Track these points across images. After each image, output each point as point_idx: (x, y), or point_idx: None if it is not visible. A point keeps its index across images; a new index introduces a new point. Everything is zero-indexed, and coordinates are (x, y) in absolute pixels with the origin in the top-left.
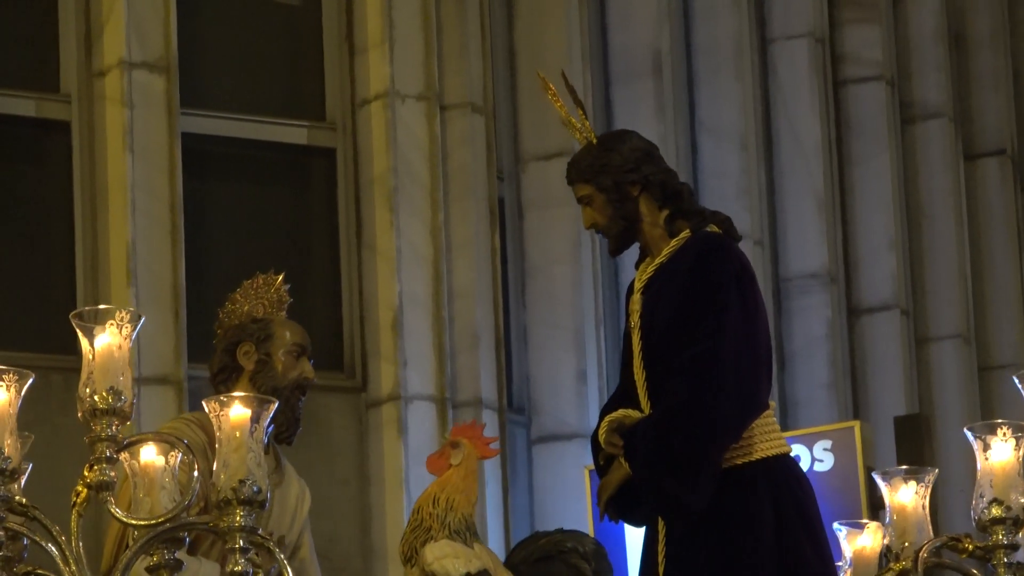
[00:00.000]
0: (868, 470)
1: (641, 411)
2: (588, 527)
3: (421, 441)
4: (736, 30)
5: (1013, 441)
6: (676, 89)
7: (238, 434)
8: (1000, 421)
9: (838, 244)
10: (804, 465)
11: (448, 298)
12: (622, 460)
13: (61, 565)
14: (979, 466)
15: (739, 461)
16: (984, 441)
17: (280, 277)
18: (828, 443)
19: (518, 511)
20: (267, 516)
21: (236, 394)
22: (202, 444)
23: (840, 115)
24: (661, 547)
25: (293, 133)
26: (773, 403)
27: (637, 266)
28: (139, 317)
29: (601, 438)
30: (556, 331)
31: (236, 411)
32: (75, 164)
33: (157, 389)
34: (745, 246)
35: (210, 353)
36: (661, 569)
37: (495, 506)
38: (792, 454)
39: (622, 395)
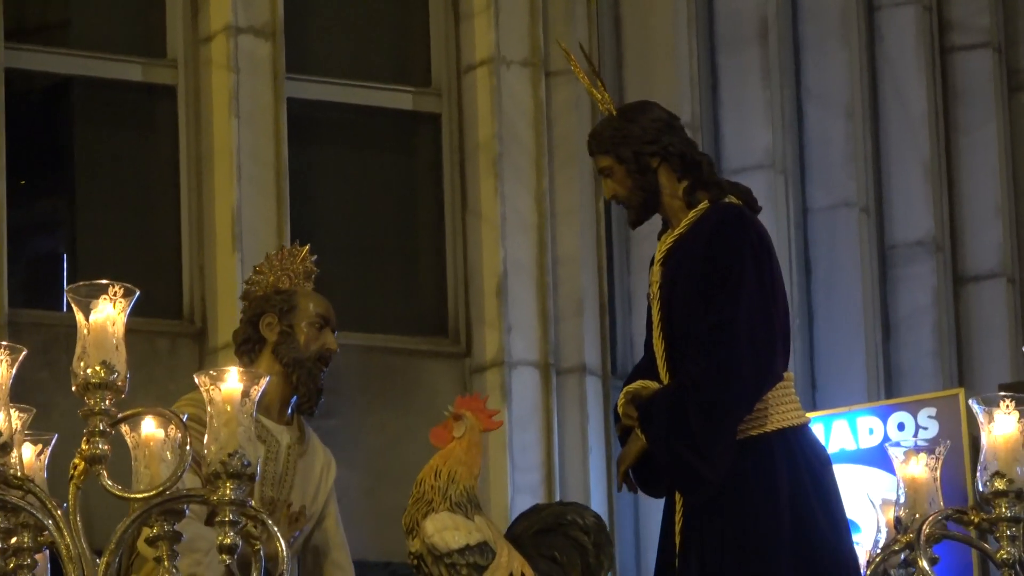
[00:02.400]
0: (973, 437)
1: (660, 382)
2: None
3: (525, 407)
4: None
5: (1016, 414)
6: (782, 55)
7: (229, 408)
8: (1004, 393)
9: (944, 212)
10: (908, 433)
11: (552, 264)
12: (639, 432)
13: (57, 537)
14: (984, 438)
15: (753, 432)
16: (989, 413)
17: (306, 248)
18: (933, 411)
19: None
20: (288, 486)
21: (227, 368)
22: None
23: (947, 82)
24: (678, 518)
25: (399, 99)
26: (791, 374)
27: (659, 237)
28: (133, 292)
29: (620, 410)
30: None
31: (227, 385)
32: (181, 129)
33: None
34: (851, 214)
35: None
36: (678, 539)
37: (598, 473)
38: (810, 424)
39: (646, 366)
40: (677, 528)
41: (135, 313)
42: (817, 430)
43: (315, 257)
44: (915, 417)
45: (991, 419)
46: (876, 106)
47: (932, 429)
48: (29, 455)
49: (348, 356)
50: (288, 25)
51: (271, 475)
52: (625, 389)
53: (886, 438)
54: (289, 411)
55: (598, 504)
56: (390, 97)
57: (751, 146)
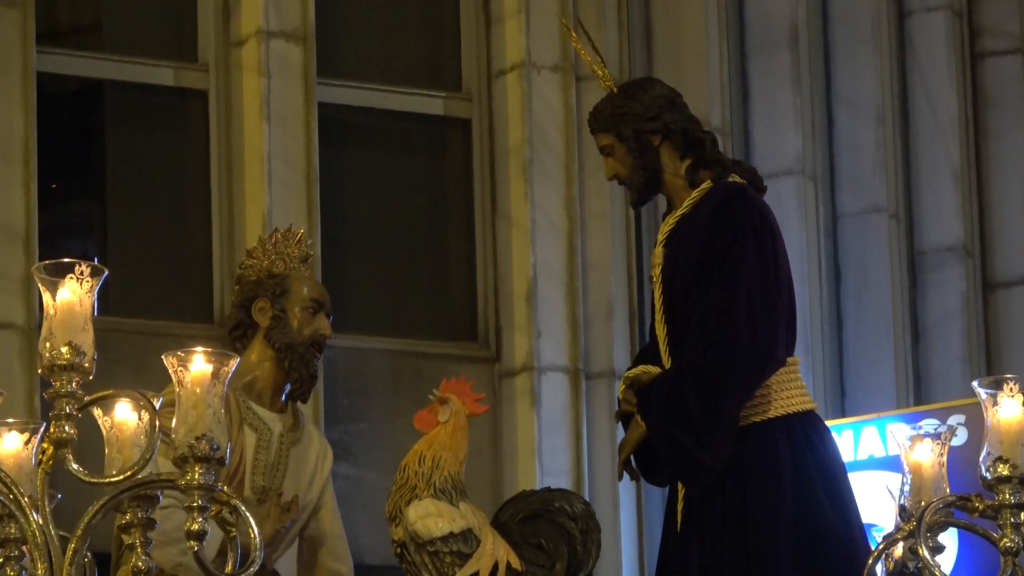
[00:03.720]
0: None
1: (663, 367)
2: None
3: (554, 412)
4: (874, 2)
5: (1020, 397)
6: (813, 61)
7: (198, 390)
8: (1008, 376)
9: (974, 218)
10: None
11: (582, 269)
12: (639, 419)
13: (24, 523)
14: (987, 423)
15: (756, 419)
16: (992, 397)
17: (301, 231)
18: (962, 417)
19: None
20: (281, 475)
21: (196, 349)
22: None
23: (977, 88)
24: (680, 507)
25: (429, 103)
26: (796, 358)
27: (663, 218)
28: (101, 271)
29: (620, 396)
30: None
31: (195, 366)
32: (212, 133)
33: None
34: (880, 219)
35: (346, 323)
36: (680, 522)
37: (626, 477)
38: (816, 410)
39: (650, 351)
40: (679, 510)
41: (166, 316)
42: (847, 436)
43: (310, 241)
44: (945, 423)
45: (995, 402)
46: (906, 112)
47: (961, 435)
48: (17, 444)
49: (378, 360)
50: (319, 29)
51: (263, 464)
52: (625, 374)
53: None
54: (283, 398)
55: (627, 508)
56: (421, 102)
57: (781, 151)
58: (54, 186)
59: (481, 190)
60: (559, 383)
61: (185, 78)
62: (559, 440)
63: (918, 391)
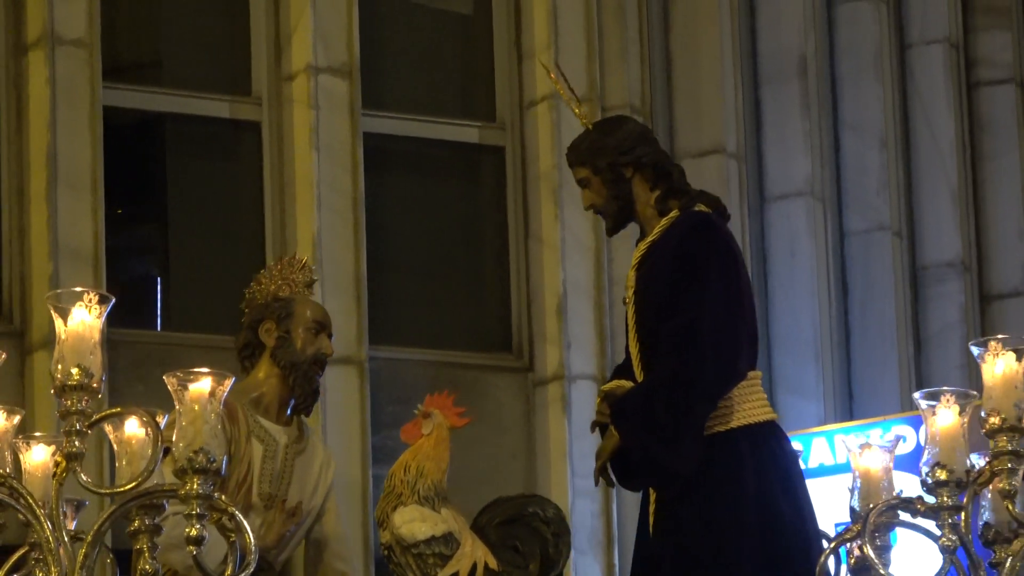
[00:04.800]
0: None
1: (636, 382)
2: None
3: (584, 418)
4: (877, 36)
5: (956, 407)
6: (821, 90)
7: (196, 407)
8: (945, 388)
9: (971, 235)
10: None
11: (608, 285)
12: (613, 429)
13: (38, 529)
14: (927, 431)
15: (720, 428)
16: (932, 408)
17: (306, 258)
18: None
19: None
20: (286, 483)
21: (195, 370)
22: (220, 417)
23: (973, 115)
24: (652, 509)
25: (465, 132)
26: (758, 372)
27: (636, 244)
28: (109, 299)
29: (596, 408)
30: None
31: (195, 386)
32: (265, 162)
33: (342, 369)
34: (884, 237)
35: (390, 336)
36: (652, 524)
37: None
38: (776, 420)
39: (624, 366)
40: (651, 518)
41: (222, 331)
42: (852, 440)
43: (314, 266)
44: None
45: (934, 413)
46: (908, 137)
47: None
48: (44, 456)
49: (419, 370)
50: (364, 65)
51: (269, 472)
52: (601, 388)
53: (918, 445)
54: (288, 412)
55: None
56: (457, 131)
57: (792, 174)
58: (119, 211)
59: (514, 213)
60: (588, 391)
61: (239, 111)
62: (588, 444)
63: None
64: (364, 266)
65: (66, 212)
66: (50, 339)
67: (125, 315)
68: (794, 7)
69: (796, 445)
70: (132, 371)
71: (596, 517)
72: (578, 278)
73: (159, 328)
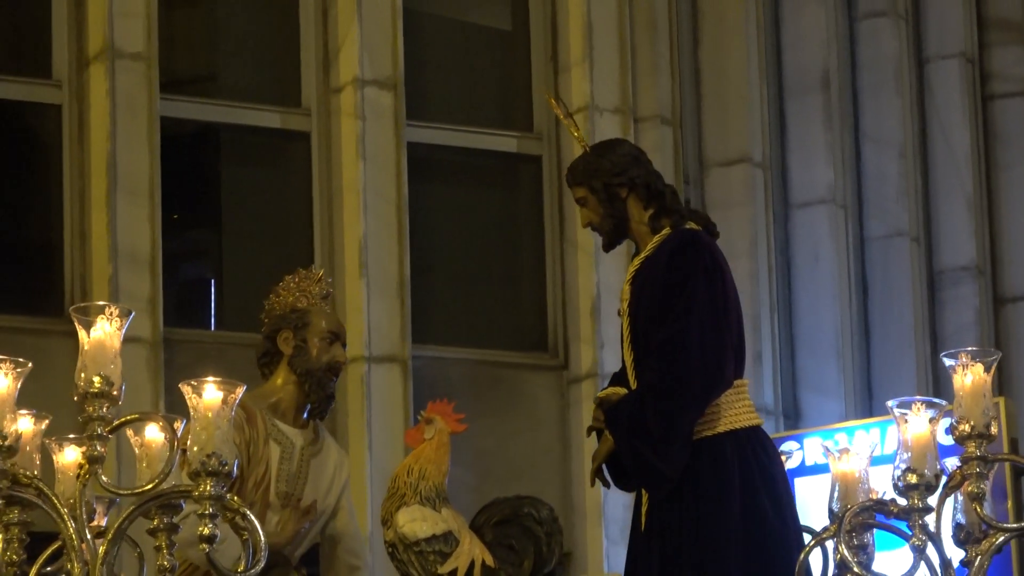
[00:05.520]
0: (1012, 441)
1: (631, 389)
2: None
3: None
4: (896, 51)
5: (927, 415)
6: (843, 103)
7: (209, 414)
8: (917, 398)
9: (985, 240)
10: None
11: None
12: (607, 434)
13: (62, 527)
14: (899, 437)
15: (707, 433)
16: (903, 415)
17: (321, 271)
18: None
19: None
20: (302, 483)
21: (207, 379)
22: (240, 421)
23: (987, 126)
24: (644, 510)
25: (504, 142)
26: (745, 380)
27: (631, 259)
28: (128, 312)
29: (592, 414)
30: None
31: (208, 394)
32: (314, 170)
33: (386, 367)
34: (903, 242)
35: (431, 336)
36: (643, 524)
37: None
38: (762, 426)
39: (620, 374)
40: (643, 519)
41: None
42: (873, 435)
43: (330, 279)
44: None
45: (905, 420)
46: (925, 147)
47: None
48: (75, 456)
49: (460, 368)
50: (407, 78)
51: (286, 473)
52: (596, 395)
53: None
54: (304, 416)
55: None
56: (497, 141)
57: (815, 183)
58: (175, 217)
59: (550, 218)
60: None
61: (290, 121)
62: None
63: (937, 394)
64: (407, 269)
65: (125, 217)
66: None
67: (181, 316)
68: (817, 24)
69: (793, 445)
70: (187, 369)
71: (628, 509)
72: (611, 281)
73: (213, 328)
